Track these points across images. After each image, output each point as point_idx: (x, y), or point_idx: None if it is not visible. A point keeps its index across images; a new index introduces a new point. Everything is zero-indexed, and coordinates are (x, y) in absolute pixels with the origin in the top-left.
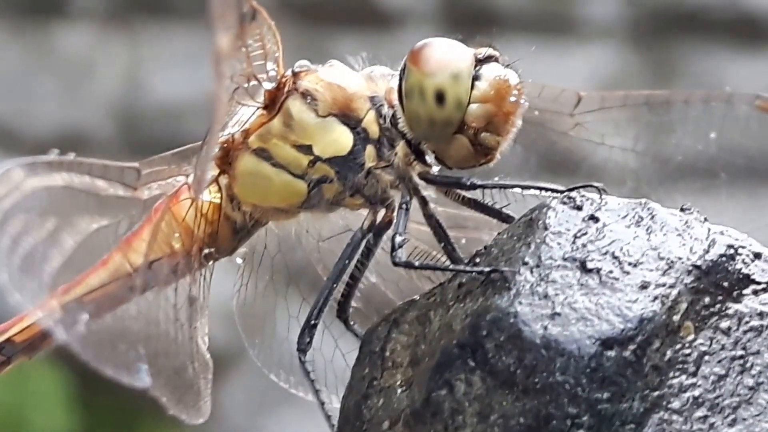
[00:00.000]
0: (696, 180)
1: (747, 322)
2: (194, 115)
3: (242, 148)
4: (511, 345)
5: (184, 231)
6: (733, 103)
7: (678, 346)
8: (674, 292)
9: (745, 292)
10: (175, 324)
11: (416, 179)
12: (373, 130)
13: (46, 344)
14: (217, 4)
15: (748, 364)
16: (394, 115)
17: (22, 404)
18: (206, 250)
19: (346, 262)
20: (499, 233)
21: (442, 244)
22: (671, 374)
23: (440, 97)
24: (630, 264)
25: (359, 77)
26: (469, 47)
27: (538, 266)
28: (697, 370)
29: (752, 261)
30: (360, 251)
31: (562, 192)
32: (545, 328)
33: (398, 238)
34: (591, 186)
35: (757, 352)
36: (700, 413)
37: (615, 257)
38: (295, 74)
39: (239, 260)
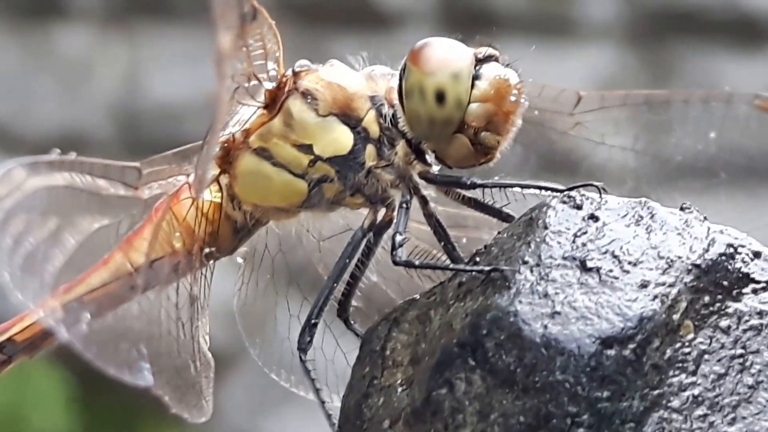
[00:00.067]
0: (695, 179)
1: (746, 321)
2: (193, 115)
3: (243, 147)
4: (511, 344)
5: (185, 230)
6: (732, 102)
7: (678, 345)
8: (674, 291)
9: (744, 291)
10: (176, 323)
11: (416, 178)
12: (374, 130)
13: (47, 343)
14: (219, 4)
15: (748, 363)
16: (394, 115)
17: (22, 404)
18: (207, 250)
19: (347, 261)
20: (499, 232)
21: (443, 244)
22: (671, 373)
23: (440, 97)
24: (630, 263)
25: (359, 77)
26: (469, 47)
27: (538, 265)
28: (696, 368)
29: (752, 260)
30: (360, 250)
31: (562, 191)
32: (545, 327)
33: (398, 238)
34: (591, 185)
35: (757, 351)
36: (699, 412)
37: (615, 256)
38: (295, 74)
39: (240, 259)
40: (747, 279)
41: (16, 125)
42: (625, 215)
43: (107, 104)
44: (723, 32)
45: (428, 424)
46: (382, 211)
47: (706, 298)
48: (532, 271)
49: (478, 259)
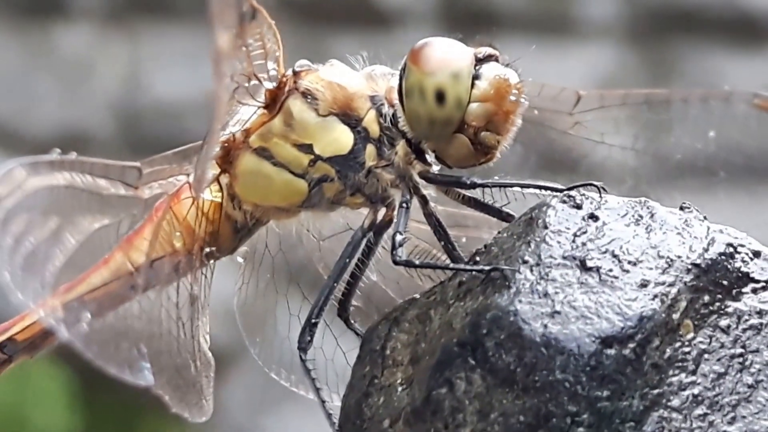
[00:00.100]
0: (695, 178)
1: (746, 321)
2: (194, 114)
3: (243, 147)
4: (511, 343)
5: (185, 230)
6: (731, 101)
7: (677, 345)
8: (674, 290)
9: (744, 290)
10: (176, 322)
11: (416, 178)
12: (374, 130)
13: (48, 343)
14: (217, 3)
15: (748, 362)
16: (394, 115)
17: (23, 403)
18: (207, 249)
19: (347, 260)
20: (499, 232)
21: (443, 243)
22: (671, 372)
23: (440, 97)
24: (630, 262)
25: (359, 77)
26: (469, 46)
27: (538, 265)
28: (696, 368)
29: (751, 259)
30: (360, 250)
31: (561, 191)
32: (545, 326)
33: (399, 237)
34: (591, 185)
35: (756, 350)
36: (699, 411)
37: (615, 256)
38: (295, 74)
39: (240, 259)
40: (746, 278)
41: (16, 124)
42: (624, 215)
43: (108, 103)
44: (723, 31)
45: (428, 424)
46: (382, 211)
47: (706, 298)
48: (532, 271)
49: (478, 258)
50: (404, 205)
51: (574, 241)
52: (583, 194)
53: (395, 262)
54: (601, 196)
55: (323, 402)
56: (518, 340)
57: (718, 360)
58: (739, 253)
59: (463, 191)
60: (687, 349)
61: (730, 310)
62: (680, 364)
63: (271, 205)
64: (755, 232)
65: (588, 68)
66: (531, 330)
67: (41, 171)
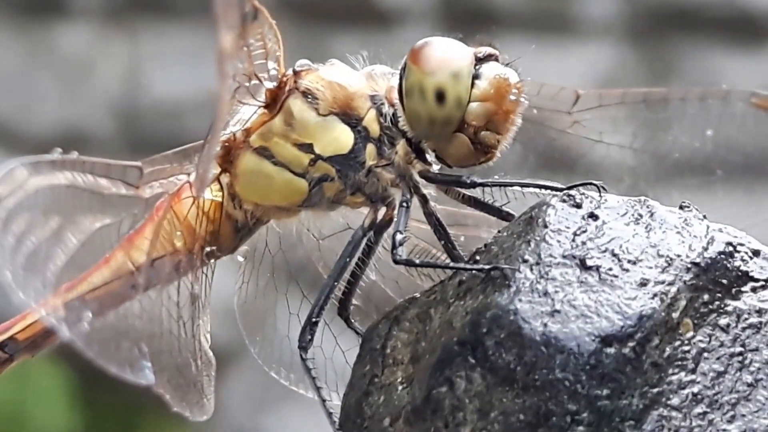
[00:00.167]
0: (693, 177)
1: (746, 319)
2: (194, 113)
3: (244, 146)
4: (511, 342)
5: (185, 229)
6: (729, 100)
7: (677, 343)
8: (673, 289)
9: (743, 289)
10: (177, 321)
11: (416, 177)
12: (374, 129)
13: (49, 342)
14: (220, 3)
15: (747, 361)
16: (394, 114)
17: (24, 401)
18: (208, 248)
19: (347, 260)
20: (499, 231)
21: (443, 242)
22: (670, 371)
23: (440, 96)
24: (629, 261)
25: (360, 76)
26: (469, 46)
27: (537, 264)
28: (696, 366)
29: (751, 258)
30: (361, 249)
31: (561, 190)
32: (545, 325)
33: (399, 236)
34: (590, 184)
35: (756, 349)
36: (699, 410)
37: (614, 255)
38: (296, 73)
39: (240, 258)
40: (746, 277)
41: (17, 124)
42: (624, 214)
43: (108, 102)
44: (722, 30)
45: (428, 422)
46: (382, 210)
47: (706, 297)
48: (532, 270)
49: (478, 257)
50: (404, 204)
51: (573, 240)
52: (583, 193)
53: (395, 261)
54: (600, 195)
55: (323, 401)
56: (518, 338)
57: (718, 359)
58: (738, 252)
59: (463, 190)
60: (686, 348)
61: (729, 308)
62: (680, 362)
63: (272, 205)
64: (753, 230)
65: (587, 67)
66: (531, 329)
67: (42, 170)
